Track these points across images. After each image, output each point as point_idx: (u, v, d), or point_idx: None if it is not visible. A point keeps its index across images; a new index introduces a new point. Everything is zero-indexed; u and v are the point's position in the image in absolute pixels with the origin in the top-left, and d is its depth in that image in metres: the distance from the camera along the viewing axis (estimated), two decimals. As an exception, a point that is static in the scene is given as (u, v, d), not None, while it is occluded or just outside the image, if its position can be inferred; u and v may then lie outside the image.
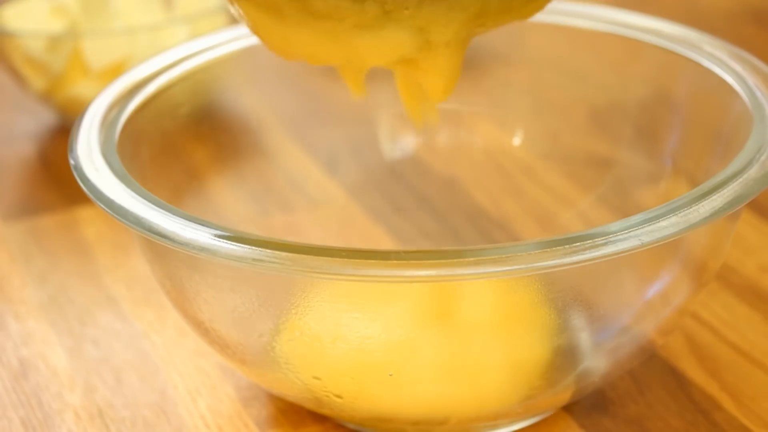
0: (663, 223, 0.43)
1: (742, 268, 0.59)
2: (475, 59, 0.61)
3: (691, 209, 0.43)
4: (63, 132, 0.76)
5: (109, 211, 0.46)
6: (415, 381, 0.47)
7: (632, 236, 0.42)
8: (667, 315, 0.49)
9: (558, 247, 0.42)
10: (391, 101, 0.55)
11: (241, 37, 0.58)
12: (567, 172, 0.63)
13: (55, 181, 0.71)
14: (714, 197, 0.44)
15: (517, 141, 0.64)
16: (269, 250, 0.42)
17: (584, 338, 0.48)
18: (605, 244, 0.42)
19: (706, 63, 0.54)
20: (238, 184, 0.61)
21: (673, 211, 0.43)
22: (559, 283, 0.45)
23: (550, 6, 0.54)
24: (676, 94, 0.57)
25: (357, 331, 0.46)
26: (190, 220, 0.44)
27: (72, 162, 0.49)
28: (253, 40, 0.57)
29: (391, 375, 0.46)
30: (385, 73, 0.50)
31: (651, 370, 0.53)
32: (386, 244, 0.62)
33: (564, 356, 0.48)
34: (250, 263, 0.42)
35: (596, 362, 0.48)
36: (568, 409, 0.51)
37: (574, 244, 0.42)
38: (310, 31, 0.46)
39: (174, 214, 0.45)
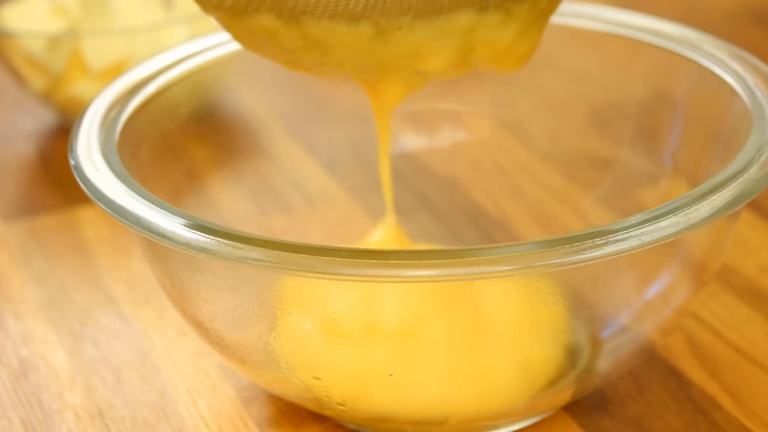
0: (663, 223, 0.43)
1: (742, 268, 0.59)
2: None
3: (691, 209, 0.43)
4: (63, 132, 0.76)
5: (109, 211, 0.46)
6: (415, 381, 0.47)
7: (632, 236, 0.42)
8: (667, 315, 0.49)
9: (558, 247, 0.42)
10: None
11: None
12: (567, 172, 0.63)
13: (55, 181, 0.71)
14: (714, 197, 0.44)
15: (517, 141, 0.64)
16: (269, 250, 0.42)
17: (584, 338, 0.48)
18: (605, 244, 0.42)
19: (706, 63, 0.54)
20: (238, 184, 0.61)
21: (673, 211, 0.43)
22: (559, 283, 0.45)
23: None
24: (676, 94, 0.57)
25: (357, 331, 0.46)
26: (190, 220, 0.44)
27: (72, 162, 0.49)
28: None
29: (391, 375, 0.46)
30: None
31: (651, 370, 0.53)
32: (386, 244, 0.62)
33: (564, 356, 0.48)
34: (250, 263, 0.42)
35: (596, 362, 0.48)
36: (568, 409, 0.51)
37: (574, 244, 0.42)
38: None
39: (174, 214, 0.45)
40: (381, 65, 0.47)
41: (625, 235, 0.42)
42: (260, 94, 0.64)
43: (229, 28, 0.48)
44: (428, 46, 0.45)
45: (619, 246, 0.42)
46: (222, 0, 0.45)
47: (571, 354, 0.48)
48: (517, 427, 0.50)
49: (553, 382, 0.48)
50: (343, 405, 0.48)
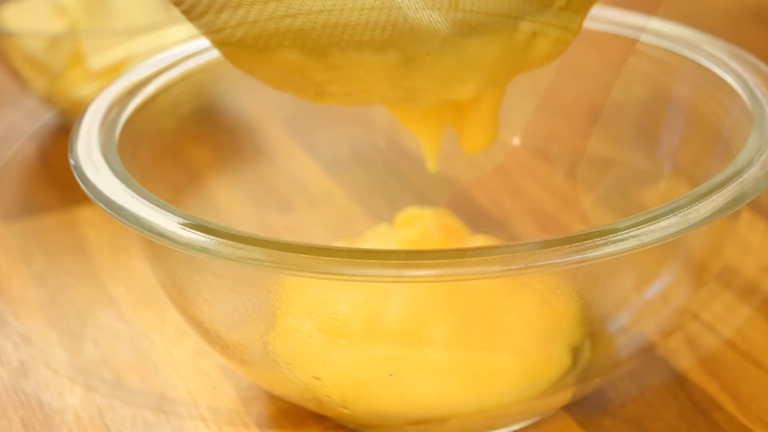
0: (663, 223, 0.43)
1: (742, 268, 0.59)
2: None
3: (691, 209, 0.43)
4: (63, 132, 0.76)
5: (109, 211, 0.46)
6: (416, 381, 0.47)
7: (632, 236, 0.42)
8: (667, 315, 0.49)
9: (558, 247, 0.42)
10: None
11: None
12: (567, 172, 0.63)
13: (55, 181, 0.71)
14: (714, 197, 0.44)
15: (517, 141, 0.64)
16: (269, 250, 0.42)
17: (584, 338, 0.48)
18: (605, 244, 0.42)
19: (706, 63, 0.54)
20: (238, 184, 0.61)
21: (673, 211, 0.43)
22: (559, 283, 0.45)
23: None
24: (676, 94, 0.57)
25: (357, 331, 0.46)
26: (190, 220, 0.44)
27: (72, 162, 0.49)
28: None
29: (391, 375, 0.46)
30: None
31: (651, 370, 0.53)
32: (386, 244, 0.61)
33: (564, 357, 0.48)
34: (250, 263, 0.42)
35: (596, 362, 0.48)
36: (568, 409, 0.51)
37: (574, 244, 0.42)
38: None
39: (174, 214, 0.45)
40: (409, 93, 0.46)
41: (625, 235, 0.42)
42: (260, 94, 0.64)
43: (247, 65, 0.46)
44: (458, 74, 0.45)
45: (619, 246, 0.42)
46: (243, 38, 0.44)
47: (571, 354, 0.48)
48: (517, 426, 0.50)
49: (553, 382, 0.48)
50: (343, 405, 0.48)
